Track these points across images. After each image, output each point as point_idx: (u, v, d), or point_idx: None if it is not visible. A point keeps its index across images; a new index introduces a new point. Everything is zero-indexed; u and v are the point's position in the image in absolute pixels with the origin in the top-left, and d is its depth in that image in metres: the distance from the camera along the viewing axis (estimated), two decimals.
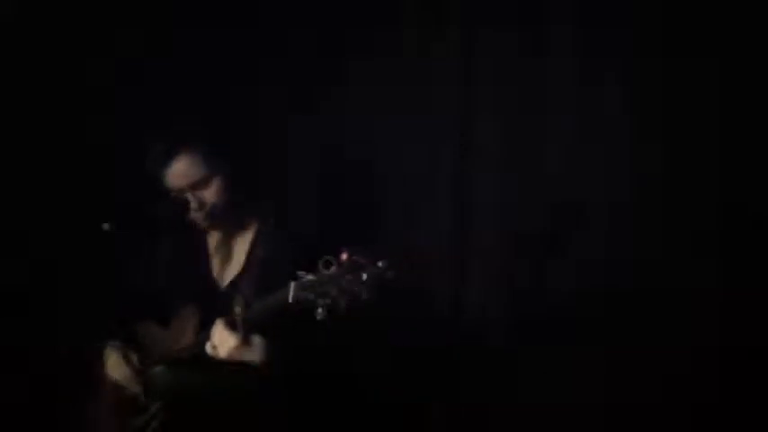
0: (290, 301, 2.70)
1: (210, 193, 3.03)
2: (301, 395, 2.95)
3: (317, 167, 3.62)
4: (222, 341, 2.85)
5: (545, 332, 3.33)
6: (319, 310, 2.64)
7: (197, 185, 3.02)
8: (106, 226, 3.03)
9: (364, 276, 2.61)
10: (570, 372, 3.28)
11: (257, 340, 2.86)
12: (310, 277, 2.67)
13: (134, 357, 3.06)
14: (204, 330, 2.90)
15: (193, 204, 3.03)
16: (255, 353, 2.86)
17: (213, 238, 3.15)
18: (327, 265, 2.64)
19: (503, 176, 3.43)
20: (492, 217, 3.44)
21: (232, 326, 2.85)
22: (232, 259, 3.12)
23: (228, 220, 3.09)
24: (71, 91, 3.52)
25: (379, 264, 2.62)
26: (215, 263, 3.15)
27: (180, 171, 3.02)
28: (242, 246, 3.10)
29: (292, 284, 2.70)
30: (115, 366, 3.07)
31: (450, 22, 3.49)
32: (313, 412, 2.99)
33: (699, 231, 3.20)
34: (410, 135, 3.54)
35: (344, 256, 2.63)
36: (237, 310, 2.85)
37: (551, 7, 3.38)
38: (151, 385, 2.98)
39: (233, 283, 3.08)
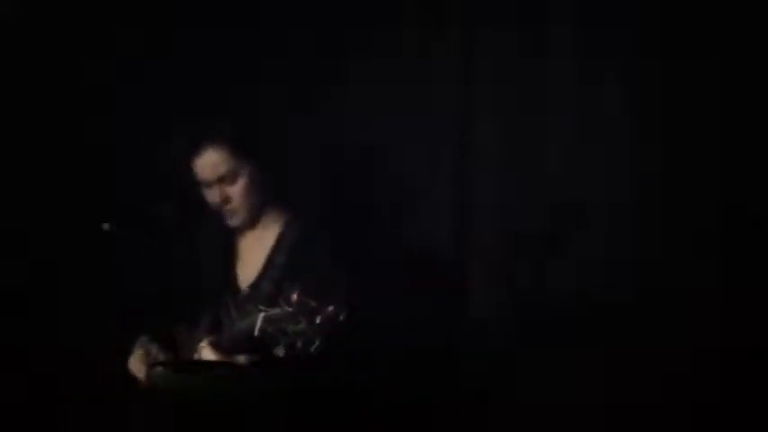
0: (256, 334, 2.69)
1: (236, 189, 3.04)
2: (301, 396, 2.95)
3: (317, 168, 3.61)
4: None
5: (545, 332, 3.33)
6: (280, 347, 2.63)
7: (224, 179, 3.03)
8: (106, 226, 3.03)
9: (318, 319, 2.61)
10: (570, 372, 3.28)
11: (242, 359, 2.89)
12: (276, 311, 2.66)
13: (157, 355, 3.06)
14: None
15: (219, 199, 3.03)
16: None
17: (237, 238, 3.16)
18: (288, 300, 2.64)
19: (503, 176, 3.43)
20: (492, 217, 3.44)
21: (214, 346, 2.89)
22: (252, 261, 3.12)
23: (252, 218, 3.09)
24: (71, 91, 3.52)
25: (330, 308, 2.61)
26: (238, 264, 3.15)
27: (209, 163, 3.03)
28: (263, 248, 3.11)
29: (260, 316, 2.69)
30: (136, 362, 3.09)
31: (450, 22, 3.49)
32: (313, 412, 2.99)
33: (699, 231, 3.20)
34: (410, 135, 3.54)
35: (295, 297, 2.63)
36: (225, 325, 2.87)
37: (551, 7, 3.38)
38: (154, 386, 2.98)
39: (253, 287, 3.09)
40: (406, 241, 3.51)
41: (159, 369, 2.93)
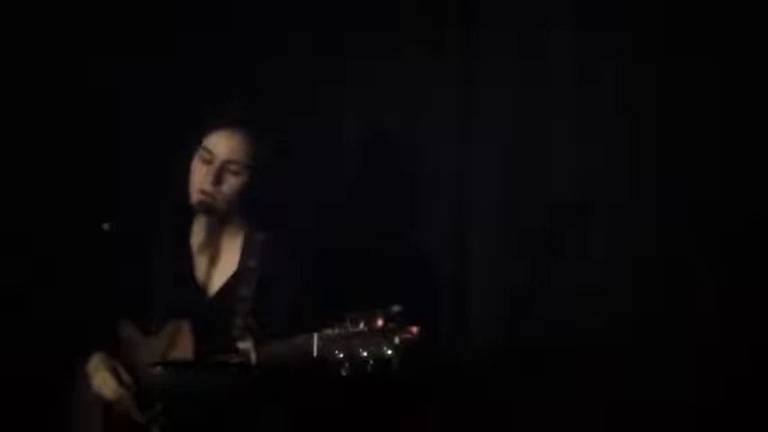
0: (315, 355, 2.66)
1: (235, 181, 3.01)
2: (301, 395, 2.95)
3: (315, 169, 3.61)
4: None
5: (545, 332, 3.33)
6: (346, 365, 2.62)
7: (231, 164, 2.99)
8: (106, 226, 3.01)
9: (396, 340, 2.60)
10: (570, 372, 3.28)
11: None
12: (336, 332, 2.64)
13: (124, 373, 2.96)
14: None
15: (211, 178, 2.97)
16: None
17: (197, 237, 3.10)
18: (355, 322, 2.63)
19: (503, 176, 3.43)
20: (492, 217, 3.43)
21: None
22: (219, 264, 3.07)
23: (230, 216, 3.05)
24: (71, 91, 3.52)
25: (414, 329, 2.61)
26: (200, 265, 3.08)
27: (232, 141, 2.98)
28: (231, 251, 3.07)
29: (315, 337, 2.66)
30: (105, 383, 2.97)
31: (450, 22, 3.49)
32: (313, 412, 2.99)
33: (699, 231, 3.21)
34: (410, 135, 3.54)
35: (380, 323, 2.61)
36: (245, 347, 2.80)
37: (551, 7, 3.38)
38: (151, 386, 2.94)
39: (222, 292, 3.04)
40: (406, 241, 3.51)
41: (159, 369, 2.92)
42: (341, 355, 2.62)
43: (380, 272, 3.36)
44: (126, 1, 3.57)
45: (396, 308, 2.63)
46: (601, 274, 3.30)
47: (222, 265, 3.06)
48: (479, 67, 3.46)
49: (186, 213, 3.05)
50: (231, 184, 3.00)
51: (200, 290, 3.06)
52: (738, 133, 3.18)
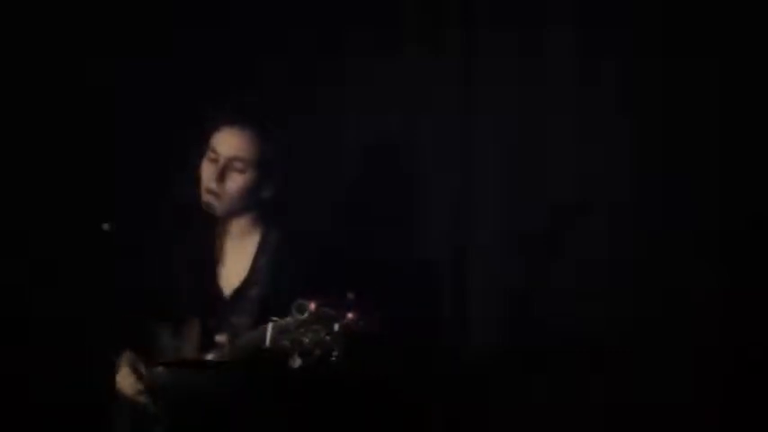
0: (267, 344, 2.66)
1: (239, 179, 3.01)
2: (300, 395, 2.95)
3: (315, 169, 3.61)
4: None
5: (545, 332, 3.33)
6: (296, 357, 2.60)
7: (235, 162, 2.99)
8: (106, 226, 3.01)
9: (336, 327, 2.58)
10: (570, 371, 3.28)
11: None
12: (286, 321, 2.63)
13: (142, 368, 2.97)
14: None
15: (215, 175, 2.96)
16: None
17: (219, 239, 3.10)
18: (301, 309, 2.61)
19: (503, 176, 3.43)
20: (492, 217, 3.44)
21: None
22: (235, 265, 3.07)
23: (240, 216, 3.05)
24: (71, 91, 3.52)
25: (349, 315, 2.58)
26: (220, 266, 3.08)
27: (236, 139, 2.98)
28: (246, 252, 3.07)
29: (270, 326, 2.66)
30: (122, 379, 2.98)
31: (450, 22, 3.50)
32: (313, 412, 2.99)
33: (699, 231, 3.21)
34: (410, 135, 3.54)
35: (312, 307, 2.59)
36: (221, 340, 2.81)
37: (551, 7, 3.38)
38: (159, 386, 2.94)
39: (237, 293, 3.04)
40: (406, 241, 3.51)
41: (159, 369, 2.92)
42: (288, 344, 2.61)
43: (380, 272, 3.36)
44: (126, 1, 3.57)
45: (349, 295, 2.61)
46: (600, 274, 3.30)
47: (238, 266, 3.06)
48: (479, 67, 3.46)
49: (199, 215, 3.05)
50: (236, 181, 2.99)
51: (219, 291, 3.05)
52: (738, 133, 3.18)
